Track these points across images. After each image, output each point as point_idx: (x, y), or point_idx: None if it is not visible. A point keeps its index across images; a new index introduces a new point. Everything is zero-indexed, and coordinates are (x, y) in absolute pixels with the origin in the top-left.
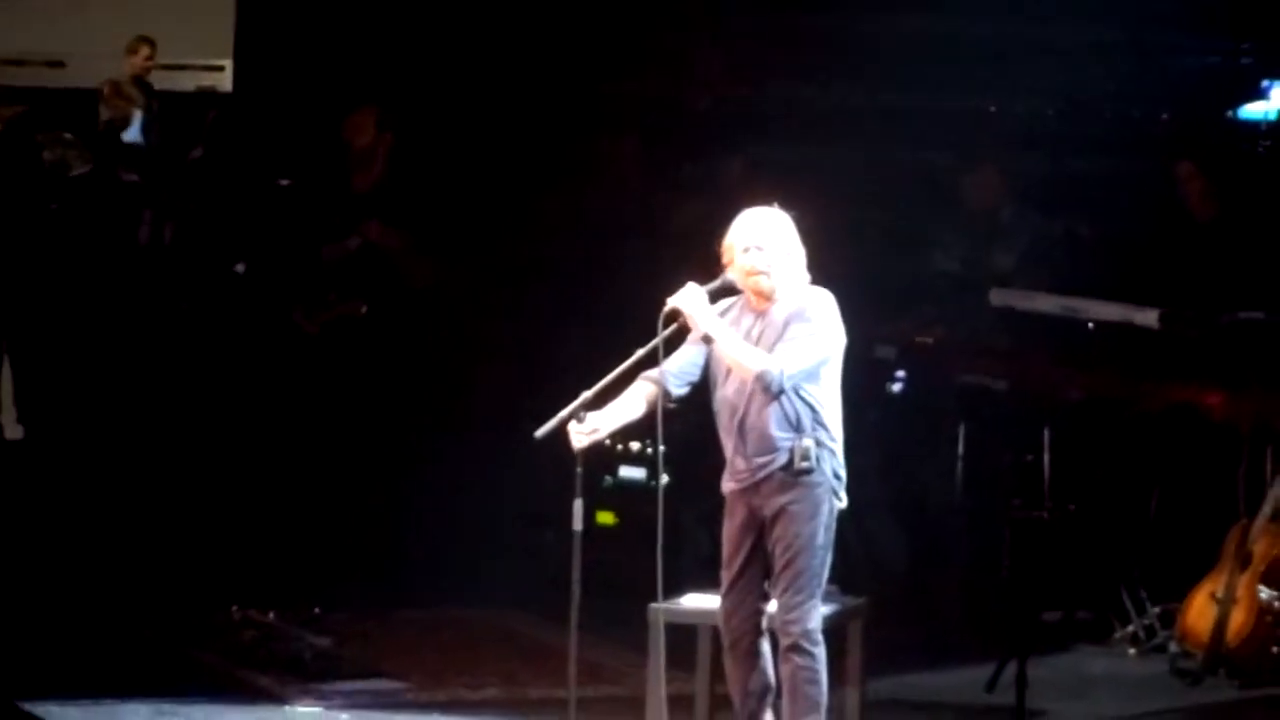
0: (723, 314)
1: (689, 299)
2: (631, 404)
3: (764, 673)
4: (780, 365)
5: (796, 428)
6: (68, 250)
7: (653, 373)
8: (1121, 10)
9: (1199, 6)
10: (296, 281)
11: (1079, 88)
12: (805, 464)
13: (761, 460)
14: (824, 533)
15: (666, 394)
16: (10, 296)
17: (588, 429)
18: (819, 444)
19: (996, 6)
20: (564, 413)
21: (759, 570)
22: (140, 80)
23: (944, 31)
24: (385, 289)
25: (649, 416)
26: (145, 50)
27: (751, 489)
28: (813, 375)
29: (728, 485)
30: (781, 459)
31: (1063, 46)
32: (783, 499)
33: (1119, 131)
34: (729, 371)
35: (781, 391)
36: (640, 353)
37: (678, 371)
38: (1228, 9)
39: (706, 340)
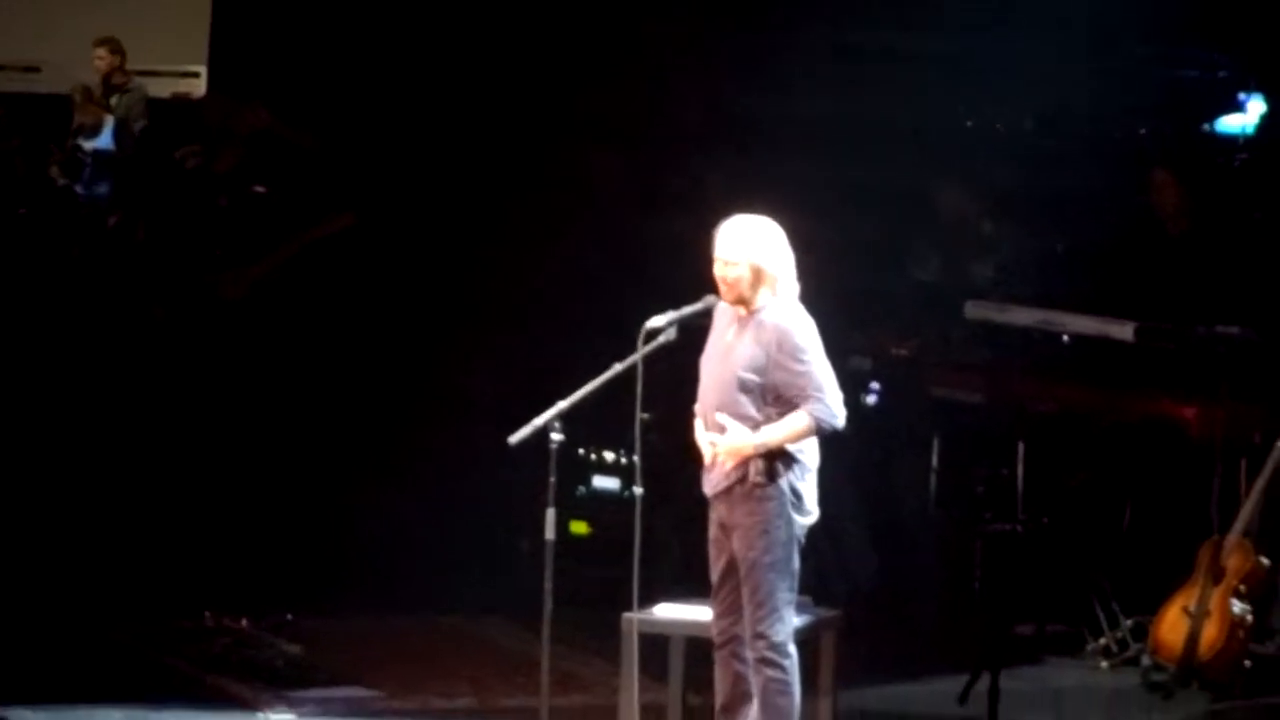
0: (715, 320)
1: (727, 443)
2: None
3: (746, 679)
4: (828, 410)
5: None
6: (38, 255)
7: None
8: (1098, 24)
9: (1176, 20)
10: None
11: (1056, 102)
12: (757, 479)
13: (717, 473)
14: (780, 548)
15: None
16: None
17: None
18: (774, 458)
19: (974, 21)
20: (538, 420)
21: (738, 577)
22: (109, 84)
23: (922, 46)
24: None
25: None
26: (99, 51)
27: (714, 499)
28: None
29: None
30: (735, 473)
31: (1039, 60)
32: (738, 513)
33: (1095, 145)
34: (703, 387)
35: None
36: (619, 367)
37: None
38: (1204, 22)
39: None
